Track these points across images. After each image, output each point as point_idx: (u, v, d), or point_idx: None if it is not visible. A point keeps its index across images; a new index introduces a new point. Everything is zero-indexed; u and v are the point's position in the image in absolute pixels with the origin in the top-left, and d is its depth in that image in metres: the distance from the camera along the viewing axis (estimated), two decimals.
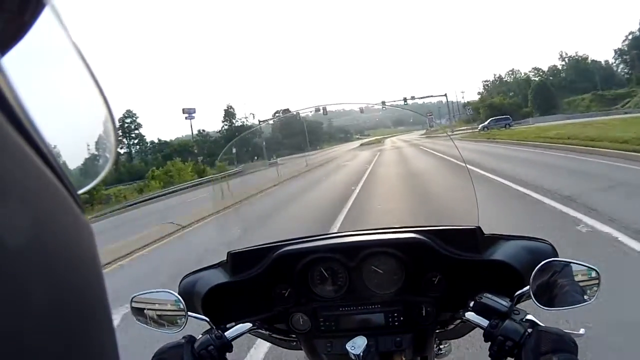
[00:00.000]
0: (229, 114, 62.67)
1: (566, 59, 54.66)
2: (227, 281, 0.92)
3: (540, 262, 0.72)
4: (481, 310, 0.75)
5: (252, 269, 0.91)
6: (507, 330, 0.69)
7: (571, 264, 0.74)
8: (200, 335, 0.79)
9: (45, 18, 0.24)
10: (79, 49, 0.23)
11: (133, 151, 55.25)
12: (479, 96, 61.18)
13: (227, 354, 0.80)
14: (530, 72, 56.86)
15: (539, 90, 51.60)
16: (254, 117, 65.16)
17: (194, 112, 48.00)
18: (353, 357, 0.75)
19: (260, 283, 0.91)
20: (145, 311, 0.83)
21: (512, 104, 50.77)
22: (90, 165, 0.33)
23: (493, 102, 51.12)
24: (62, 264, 0.19)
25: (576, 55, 54.59)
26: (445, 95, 46.97)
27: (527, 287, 0.73)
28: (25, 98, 0.19)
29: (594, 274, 0.73)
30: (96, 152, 0.33)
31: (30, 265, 0.17)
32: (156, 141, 57.52)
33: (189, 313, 0.81)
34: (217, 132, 61.78)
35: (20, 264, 0.17)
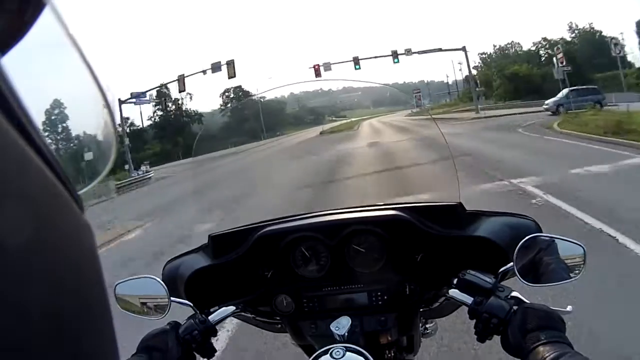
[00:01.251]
0: (162, 94, 50.00)
1: (576, 32, 42.11)
2: (209, 264, 0.91)
3: (523, 238, 0.72)
4: (465, 287, 0.74)
5: (234, 251, 0.90)
6: (492, 307, 0.69)
7: (555, 240, 0.74)
8: (185, 321, 0.79)
9: (45, 18, 0.24)
10: (80, 49, 0.23)
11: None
12: (476, 71, 51.13)
13: (212, 338, 0.80)
14: (539, 42, 44.21)
15: (568, 62, 38.45)
16: (191, 98, 55.01)
17: (145, 96, 37.91)
18: (338, 338, 0.75)
19: (243, 265, 0.90)
20: (128, 298, 0.83)
21: (544, 74, 34.70)
22: (90, 165, 0.33)
23: (516, 72, 37.11)
24: (62, 264, 0.19)
25: (590, 28, 41.57)
26: (464, 48, 32.46)
27: (511, 263, 0.72)
28: (25, 98, 0.19)
29: (578, 249, 0.73)
30: (96, 152, 0.33)
31: (30, 265, 0.17)
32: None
33: (173, 298, 0.80)
34: (149, 119, 52.39)
35: (20, 264, 0.17)
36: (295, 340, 0.92)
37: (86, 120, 0.33)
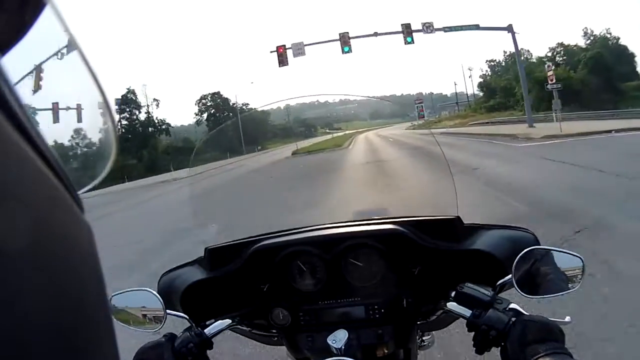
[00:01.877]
0: (129, 101, 44.87)
1: (591, 37, 36.78)
2: (205, 277, 0.91)
3: (521, 250, 0.72)
4: (463, 300, 0.74)
5: (230, 265, 0.90)
6: (490, 319, 0.69)
7: (553, 252, 0.74)
8: (181, 333, 0.79)
9: (45, 18, 0.24)
10: (80, 49, 0.23)
11: None
12: (482, 80, 47.46)
13: (208, 350, 0.81)
14: (554, 49, 38.66)
15: (596, 69, 31.32)
16: (157, 105, 51.31)
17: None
18: (335, 351, 0.74)
19: (239, 278, 0.90)
20: (124, 310, 0.83)
21: (583, 80, 29.93)
22: (90, 165, 0.33)
23: (569, 76, 29.40)
24: (62, 264, 0.19)
25: (608, 34, 35.69)
26: (510, 27, 19.94)
27: (509, 276, 0.72)
28: (25, 98, 0.19)
29: (577, 261, 0.73)
30: (96, 152, 0.33)
31: (30, 265, 0.17)
32: None
33: (169, 311, 0.80)
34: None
35: (20, 263, 0.17)
36: (292, 354, 0.92)
37: (86, 120, 0.33)
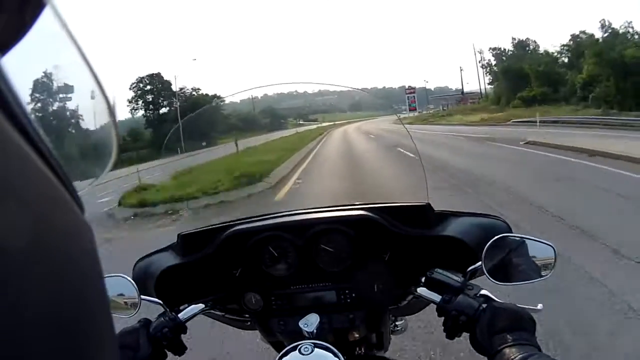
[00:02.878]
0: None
1: (610, 30, 28.90)
2: (178, 263, 0.91)
3: (492, 237, 0.73)
4: (433, 285, 0.75)
5: (203, 250, 0.91)
6: (460, 304, 0.69)
7: (525, 240, 0.74)
8: (155, 319, 0.80)
9: (45, 18, 0.24)
10: (80, 49, 0.23)
11: None
12: (487, 69, 39.29)
13: (182, 335, 0.82)
14: (578, 36, 31.07)
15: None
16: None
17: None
18: (306, 335, 0.75)
19: (212, 264, 0.91)
20: None
21: None
22: (90, 165, 0.33)
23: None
24: (62, 264, 0.19)
25: (627, 26, 27.67)
26: None
27: (480, 262, 0.73)
28: (25, 98, 0.19)
29: (549, 250, 0.74)
30: (96, 152, 0.33)
31: (30, 265, 0.17)
32: None
33: (143, 297, 0.81)
34: None
35: (20, 264, 0.17)
36: (265, 337, 0.93)
37: (87, 119, 0.33)
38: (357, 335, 0.86)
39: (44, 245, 0.18)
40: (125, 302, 0.82)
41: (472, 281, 0.76)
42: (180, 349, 0.81)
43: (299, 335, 0.77)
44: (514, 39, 39.79)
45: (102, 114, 0.28)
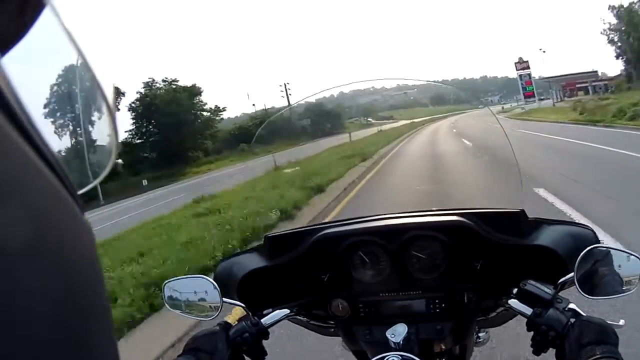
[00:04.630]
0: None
1: None
2: (264, 266, 0.89)
3: (582, 248, 0.70)
4: (525, 297, 0.72)
5: (290, 253, 0.89)
6: (550, 319, 0.67)
7: (611, 251, 0.72)
8: (236, 322, 0.78)
9: (45, 18, 0.24)
10: (80, 49, 0.23)
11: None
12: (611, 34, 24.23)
13: (263, 340, 0.79)
14: None
15: None
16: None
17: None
18: (392, 345, 0.73)
19: (299, 268, 0.88)
20: (178, 298, 0.82)
21: None
22: (90, 165, 0.33)
23: None
24: (62, 264, 0.19)
25: None
26: None
27: (572, 274, 0.69)
28: (25, 98, 0.19)
29: (635, 262, 0.70)
30: (97, 152, 0.33)
31: (30, 265, 0.17)
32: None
33: (225, 299, 0.79)
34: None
35: (20, 264, 0.17)
36: (348, 345, 0.91)
37: (87, 120, 0.33)
38: (442, 347, 0.82)
39: (44, 244, 0.18)
40: (206, 305, 0.80)
41: (560, 293, 0.73)
42: (260, 355, 0.79)
43: (384, 344, 0.74)
44: None
45: (102, 115, 0.28)
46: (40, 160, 0.19)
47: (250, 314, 0.80)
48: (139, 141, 38.23)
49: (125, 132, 36.01)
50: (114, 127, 0.28)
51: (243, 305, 0.81)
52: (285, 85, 43.18)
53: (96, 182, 0.30)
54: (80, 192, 0.23)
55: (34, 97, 0.30)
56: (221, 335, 0.73)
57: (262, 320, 0.79)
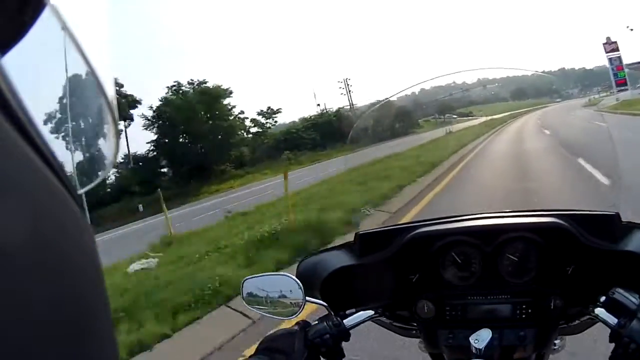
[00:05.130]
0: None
1: None
2: (352, 264, 0.87)
3: None
4: (612, 306, 0.69)
5: (382, 251, 0.86)
6: (633, 330, 0.63)
7: None
8: (316, 322, 0.76)
9: (45, 18, 0.24)
10: (80, 49, 0.23)
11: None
12: None
13: (343, 342, 0.77)
14: None
15: None
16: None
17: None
18: (474, 351, 0.71)
19: (387, 267, 0.86)
20: (258, 295, 0.81)
21: None
22: (90, 165, 0.33)
23: None
24: (62, 264, 0.19)
25: None
26: None
27: None
28: (25, 98, 0.19)
29: None
30: (97, 153, 0.33)
31: (30, 265, 0.17)
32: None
33: (307, 298, 0.77)
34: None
35: (20, 264, 0.17)
36: (427, 347, 0.87)
37: (87, 120, 0.33)
38: (524, 354, 0.79)
39: (44, 245, 0.18)
40: (287, 302, 0.78)
41: None
42: (338, 358, 0.76)
43: (465, 349, 0.73)
44: None
45: (102, 115, 0.28)
46: (40, 160, 0.19)
47: (333, 314, 0.78)
48: (153, 154, 32.23)
49: (147, 143, 31.54)
50: (114, 126, 0.28)
51: (326, 304, 0.79)
52: (345, 80, 39.76)
53: (96, 181, 0.30)
54: (80, 192, 0.23)
55: (34, 97, 0.30)
56: (300, 335, 0.72)
57: (344, 321, 0.77)
